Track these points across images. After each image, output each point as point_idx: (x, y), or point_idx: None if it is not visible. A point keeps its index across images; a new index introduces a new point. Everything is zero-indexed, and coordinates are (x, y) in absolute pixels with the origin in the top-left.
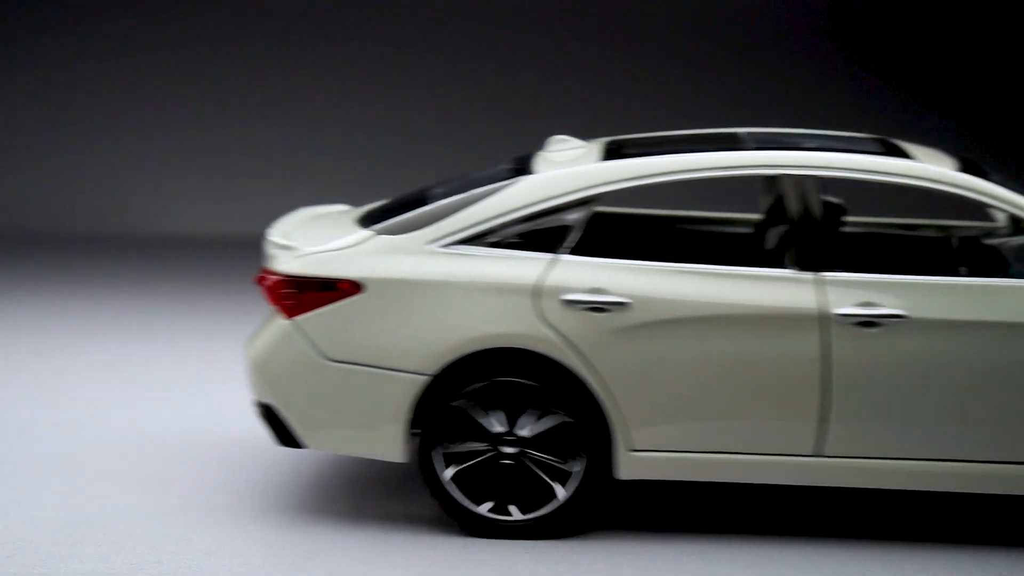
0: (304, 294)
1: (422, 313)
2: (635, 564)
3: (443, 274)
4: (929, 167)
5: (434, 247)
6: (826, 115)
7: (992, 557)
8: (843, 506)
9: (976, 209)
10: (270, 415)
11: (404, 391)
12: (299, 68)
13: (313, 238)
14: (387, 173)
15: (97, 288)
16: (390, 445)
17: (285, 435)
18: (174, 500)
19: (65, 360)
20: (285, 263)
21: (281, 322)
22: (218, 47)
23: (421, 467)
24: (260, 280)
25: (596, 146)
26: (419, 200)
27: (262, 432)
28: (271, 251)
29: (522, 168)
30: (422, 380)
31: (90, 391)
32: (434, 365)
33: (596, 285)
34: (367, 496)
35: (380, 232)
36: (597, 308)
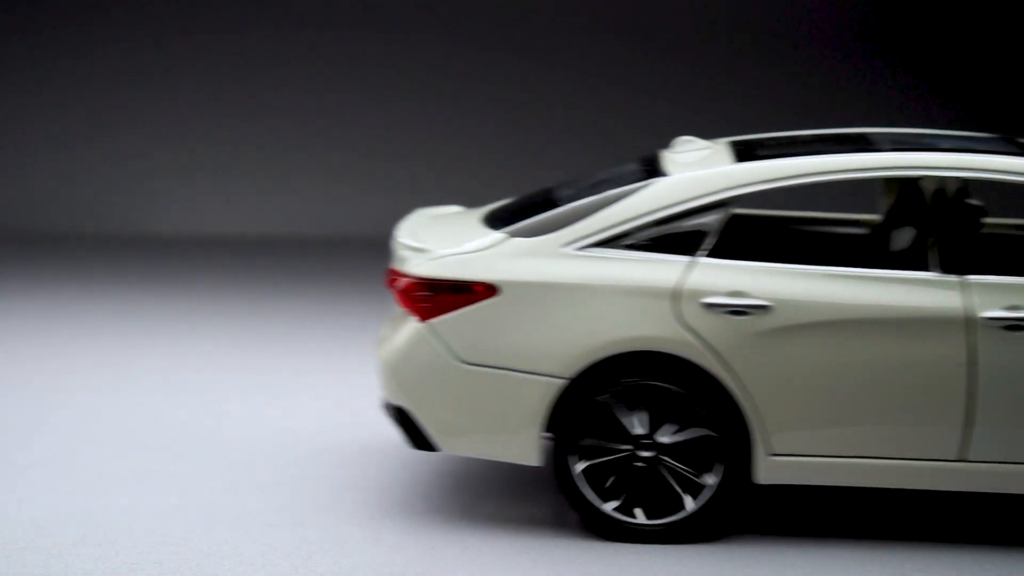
0: (438, 296)
1: (559, 316)
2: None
3: (580, 277)
4: None
5: (570, 250)
6: (855, 113)
7: (992, 557)
8: (843, 506)
9: None
10: (403, 418)
11: (541, 394)
12: (298, 68)
13: (444, 240)
14: (397, 172)
15: (96, 287)
16: (525, 448)
17: (419, 438)
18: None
19: (66, 360)
20: (418, 265)
21: (415, 325)
22: (220, 47)
23: (554, 465)
24: (391, 282)
25: (722, 147)
26: (545, 201)
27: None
28: (401, 253)
29: (651, 169)
30: (559, 383)
31: (90, 391)
32: (572, 368)
33: (736, 288)
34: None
35: (514, 234)
36: (738, 311)
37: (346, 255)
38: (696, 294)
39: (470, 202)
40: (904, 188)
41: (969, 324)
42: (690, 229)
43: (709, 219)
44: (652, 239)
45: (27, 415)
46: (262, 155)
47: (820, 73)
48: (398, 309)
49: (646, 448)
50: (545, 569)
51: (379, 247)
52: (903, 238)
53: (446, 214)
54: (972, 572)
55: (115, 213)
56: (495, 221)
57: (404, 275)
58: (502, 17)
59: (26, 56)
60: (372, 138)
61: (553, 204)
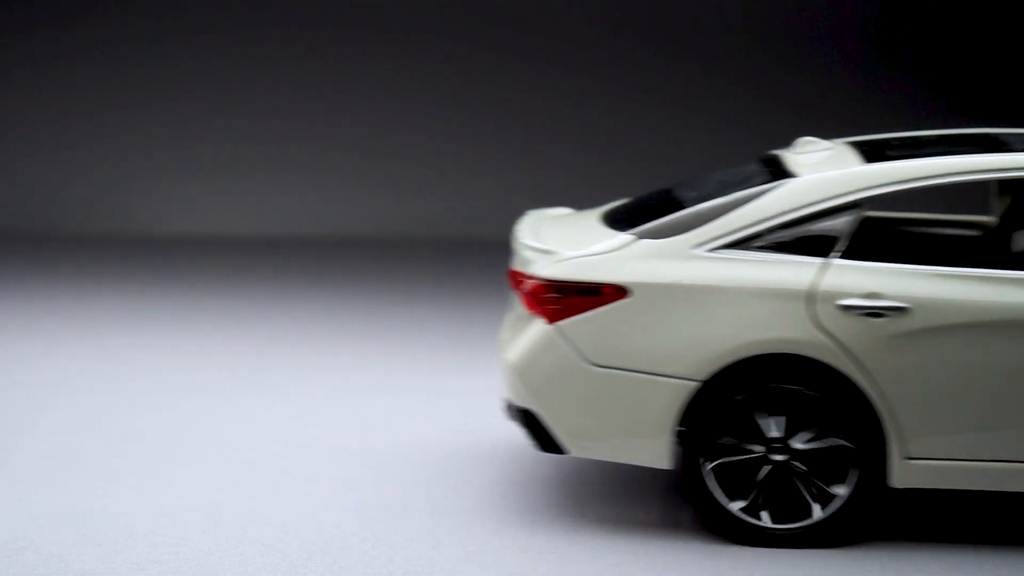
0: (567, 299)
1: (692, 318)
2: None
3: (713, 279)
4: None
5: (701, 251)
6: (863, 118)
7: (992, 557)
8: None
9: None
10: (531, 421)
11: (673, 397)
12: (298, 68)
13: (568, 242)
14: (399, 172)
15: (95, 287)
16: (657, 451)
17: (547, 441)
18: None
19: (67, 360)
20: (546, 267)
21: (543, 327)
22: (220, 47)
23: (683, 466)
24: (517, 284)
25: (844, 148)
26: (666, 203)
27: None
28: (525, 255)
29: (774, 170)
30: (692, 386)
31: (90, 390)
32: (705, 371)
33: (872, 290)
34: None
35: (642, 236)
36: (874, 313)
37: (344, 255)
38: (831, 296)
39: (466, 202)
40: (1014, 189)
41: None
42: (822, 230)
43: (842, 220)
44: (783, 241)
45: (28, 415)
46: (262, 155)
47: (835, 76)
48: (519, 310)
49: (779, 452)
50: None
51: (377, 246)
52: None
53: (561, 215)
54: (972, 572)
55: (115, 213)
56: (616, 223)
57: (531, 277)
58: (501, 17)
59: (26, 56)
60: (372, 138)
61: (674, 205)
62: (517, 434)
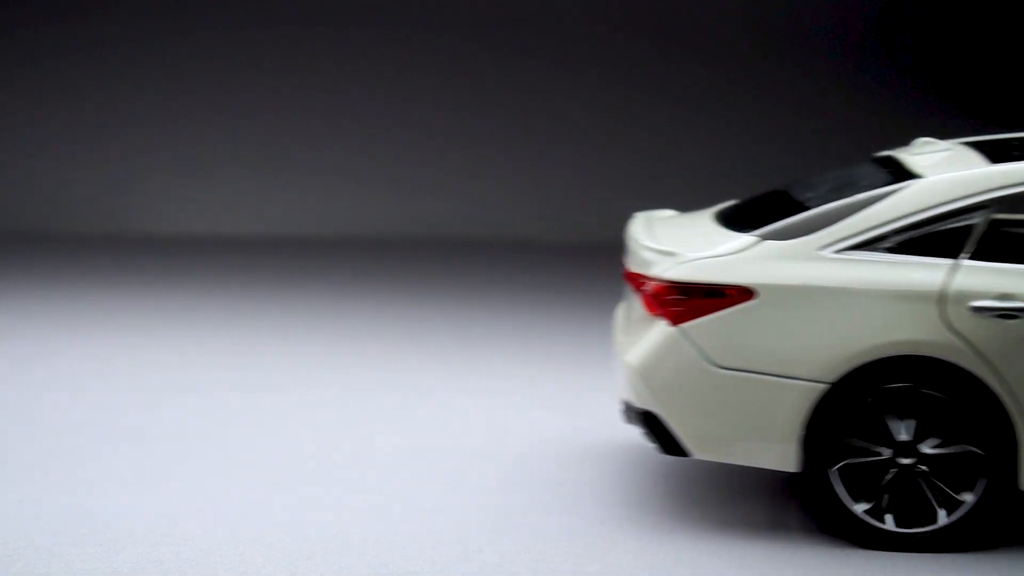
0: (691, 300)
1: (820, 320)
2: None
3: (841, 280)
4: None
5: (827, 253)
6: (866, 121)
7: (992, 557)
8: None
9: None
10: (653, 423)
11: (801, 399)
12: (299, 66)
13: (686, 243)
14: (402, 172)
15: (95, 287)
16: (784, 454)
17: (670, 443)
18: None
19: (67, 359)
20: (669, 269)
21: (666, 329)
22: (221, 47)
23: (806, 467)
24: (637, 285)
25: (963, 149)
26: (784, 203)
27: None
28: (645, 256)
29: (894, 171)
30: (820, 388)
31: (94, 389)
32: (833, 373)
33: (1005, 291)
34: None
35: (765, 237)
36: (1007, 315)
37: (344, 255)
38: (963, 297)
39: (467, 202)
40: None
41: None
42: (950, 231)
43: (971, 221)
44: (910, 242)
45: (28, 414)
46: (262, 155)
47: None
48: (636, 311)
49: (907, 455)
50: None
51: (378, 247)
52: None
53: (670, 217)
54: (972, 572)
55: (115, 213)
56: (733, 224)
57: (653, 279)
58: (502, 17)
59: (26, 56)
60: (372, 138)
61: (793, 206)
62: (514, 429)
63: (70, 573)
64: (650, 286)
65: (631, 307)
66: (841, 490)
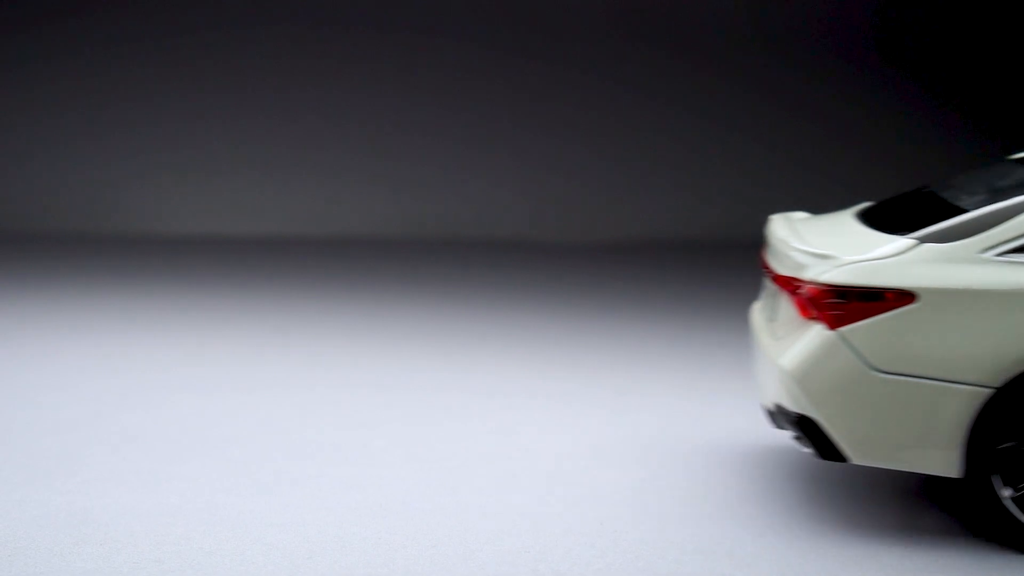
0: (849, 304)
1: (984, 324)
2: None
3: (1004, 284)
4: None
5: (989, 255)
6: (870, 127)
7: (992, 557)
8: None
9: None
10: (810, 428)
11: (964, 404)
12: (299, 66)
13: (840, 246)
14: (402, 172)
15: (95, 287)
16: (947, 459)
17: (827, 449)
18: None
19: (67, 359)
20: (826, 272)
21: (824, 333)
22: (221, 48)
23: (971, 479)
24: (791, 289)
25: None
26: (932, 204)
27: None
28: (797, 259)
29: None
30: (985, 393)
31: (94, 389)
32: (1000, 377)
33: None
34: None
35: (924, 240)
36: None
37: (344, 255)
38: None
39: (468, 202)
40: None
41: None
42: None
43: None
44: None
45: (28, 414)
46: (262, 155)
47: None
48: (784, 314)
49: None
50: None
51: (378, 246)
52: None
53: (807, 219)
54: (972, 572)
55: (115, 213)
56: (879, 225)
57: (810, 282)
58: (502, 17)
59: (26, 56)
60: (373, 138)
61: (943, 207)
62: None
63: (70, 572)
64: (806, 289)
65: (777, 309)
66: (1004, 494)
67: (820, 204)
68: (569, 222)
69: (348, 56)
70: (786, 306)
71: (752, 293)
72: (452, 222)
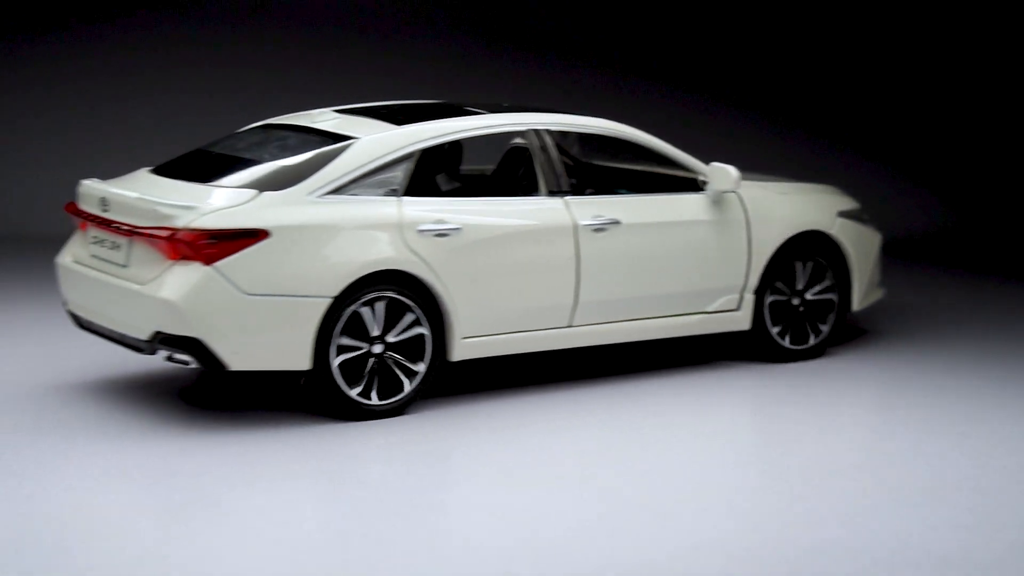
0: (219, 244)
1: (319, 249)
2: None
3: (330, 218)
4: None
5: (313, 197)
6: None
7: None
8: (838, 503)
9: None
10: (196, 347)
11: (312, 312)
12: (299, 66)
13: (186, 197)
14: None
15: None
16: (302, 355)
17: (211, 361)
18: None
19: (67, 359)
20: (196, 220)
21: (202, 268)
22: (221, 47)
23: (317, 369)
24: (157, 238)
25: (353, 116)
26: (215, 159)
27: None
28: (163, 211)
29: (309, 132)
30: (326, 302)
31: (94, 387)
32: (335, 288)
33: (438, 217)
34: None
35: (257, 188)
36: (441, 234)
37: None
38: (412, 224)
39: None
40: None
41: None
42: (393, 176)
43: (403, 167)
44: (370, 184)
45: (28, 414)
46: None
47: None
48: (141, 258)
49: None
50: None
51: None
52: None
53: (121, 179)
54: (972, 572)
55: None
56: (188, 178)
57: (184, 229)
58: (502, 17)
59: (26, 56)
60: None
61: (224, 160)
62: None
63: (74, 569)
64: (182, 235)
65: (129, 256)
66: (341, 381)
67: None
68: None
69: (349, 57)
70: (143, 251)
71: None
72: None
